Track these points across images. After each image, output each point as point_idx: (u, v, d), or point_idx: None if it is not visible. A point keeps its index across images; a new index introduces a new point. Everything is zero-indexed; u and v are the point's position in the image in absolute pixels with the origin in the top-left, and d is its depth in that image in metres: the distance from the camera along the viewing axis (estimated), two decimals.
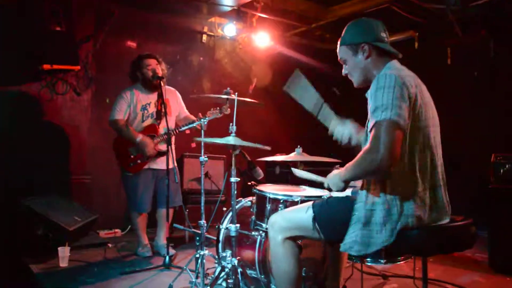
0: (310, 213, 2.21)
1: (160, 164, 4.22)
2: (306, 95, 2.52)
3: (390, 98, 1.87)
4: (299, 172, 2.42)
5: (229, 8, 5.44)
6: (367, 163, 1.88)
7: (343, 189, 2.12)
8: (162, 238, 4.32)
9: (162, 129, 4.17)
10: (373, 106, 1.91)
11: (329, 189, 2.19)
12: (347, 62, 2.23)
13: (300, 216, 2.25)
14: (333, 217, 2.17)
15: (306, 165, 5.16)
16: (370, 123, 1.91)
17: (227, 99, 3.22)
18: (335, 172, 2.13)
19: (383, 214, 1.96)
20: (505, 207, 3.86)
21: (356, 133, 2.30)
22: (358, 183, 2.17)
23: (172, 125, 4.26)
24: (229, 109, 3.67)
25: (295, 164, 3.99)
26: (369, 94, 1.99)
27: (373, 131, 1.88)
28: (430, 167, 2.00)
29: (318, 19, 6.03)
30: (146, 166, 4.18)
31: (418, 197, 1.95)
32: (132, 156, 4.13)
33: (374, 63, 2.15)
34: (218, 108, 3.86)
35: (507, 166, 3.97)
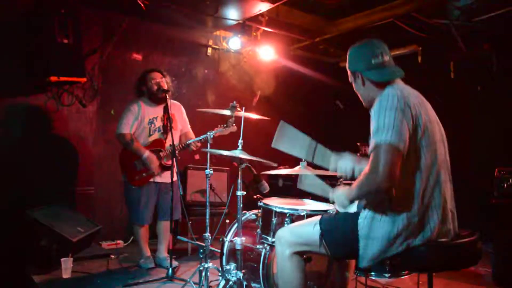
0: (318, 229, 2.22)
1: (164, 178, 4.23)
2: (297, 143, 2.48)
3: (391, 121, 1.90)
4: (306, 182, 2.43)
5: (234, 22, 5.48)
6: (367, 184, 1.94)
7: (347, 207, 2.16)
8: (163, 252, 4.32)
9: (168, 143, 4.19)
10: (375, 127, 1.95)
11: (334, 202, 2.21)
12: (353, 85, 2.29)
13: (307, 231, 2.27)
14: (340, 234, 2.18)
15: None
16: (371, 145, 1.95)
17: (233, 113, 3.27)
18: (342, 190, 2.16)
19: (389, 229, 1.97)
20: (509, 222, 3.85)
21: (358, 163, 2.30)
22: None
23: (177, 139, 4.29)
24: (235, 126, 3.68)
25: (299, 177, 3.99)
26: (372, 112, 2.02)
27: (373, 153, 1.92)
28: (436, 184, 2.01)
29: (322, 33, 6.07)
30: (151, 180, 4.19)
31: (425, 213, 1.97)
32: (138, 170, 4.15)
33: (371, 89, 2.19)
34: (224, 124, 3.85)
35: (510, 181, 3.97)
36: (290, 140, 2.50)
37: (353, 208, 2.29)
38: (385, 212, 2.00)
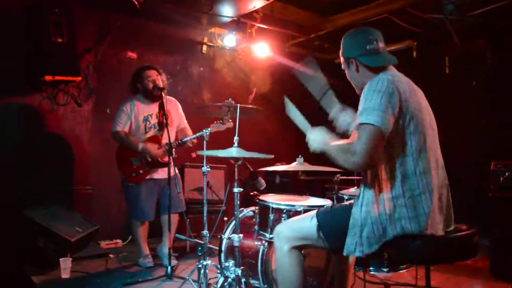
0: (315, 222, 2.24)
1: (162, 174, 4.23)
2: (314, 79, 2.65)
3: (377, 103, 1.94)
4: (292, 111, 2.50)
5: (228, 19, 5.47)
6: (344, 157, 1.99)
7: (316, 153, 2.20)
8: (167, 245, 4.29)
9: (164, 140, 4.18)
10: (361, 107, 1.99)
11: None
12: (346, 73, 2.32)
13: (305, 225, 2.29)
14: (337, 225, 2.19)
15: (308, 175, 5.20)
16: (356, 123, 2.00)
17: (228, 110, 3.28)
18: (321, 134, 2.20)
19: (380, 215, 2.00)
20: (506, 215, 3.87)
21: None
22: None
23: (173, 135, 4.29)
24: (231, 122, 3.68)
25: (296, 174, 4.00)
26: (362, 94, 2.06)
27: (355, 132, 1.97)
28: (426, 171, 2.03)
29: (317, 29, 6.07)
30: (148, 177, 4.18)
31: (413, 198, 1.98)
32: (134, 166, 4.14)
33: (364, 75, 2.21)
34: (220, 121, 3.85)
35: (507, 174, 3.99)
36: (311, 77, 2.68)
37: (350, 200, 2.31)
38: (374, 196, 2.03)
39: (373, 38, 2.20)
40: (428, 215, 1.98)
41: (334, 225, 2.21)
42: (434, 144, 2.11)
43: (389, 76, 2.06)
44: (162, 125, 4.21)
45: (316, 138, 2.21)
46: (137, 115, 4.20)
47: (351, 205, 2.19)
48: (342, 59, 2.32)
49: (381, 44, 2.21)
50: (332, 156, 2.06)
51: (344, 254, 2.11)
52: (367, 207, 2.04)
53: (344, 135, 2.38)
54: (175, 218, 4.26)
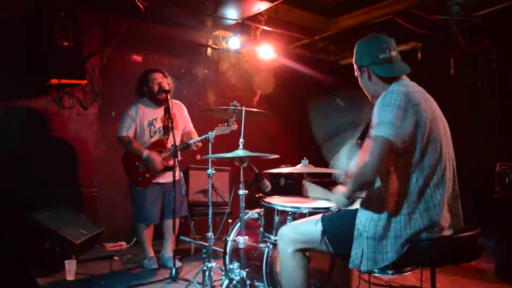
0: (320, 226, 2.23)
1: (167, 178, 4.24)
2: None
3: (391, 116, 1.92)
4: (310, 188, 2.47)
5: (233, 22, 5.49)
6: (358, 175, 1.96)
7: (349, 205, 2.18)
8: (168, 250, 4.32)
9: (170, 144, 4.18)
10: (375, 121, 1.96)
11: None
12: (359, 80, 2.29)
13: (309, 228, 2.28)
14: (342, 231, 2.18)
15: (312, 177, 5.19)
16: (368, 137, 1.97)
17: (234, 112, 3.28)
18: (339, 190, 2.17)
19: (389, 229, 1.98)
20: (511, 216, 3.85)
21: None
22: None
23: (178, 139, 4.29)
24: (236, 124, 3.68)
25: (301, 176, 3.98)
26: (375, 107, 2.03)
27: (366, 143, 1.94)
28: (443, 181, 2.01)
29: (322, 31, 6.07)
30: (154, 181, 4.20)
31: (427, 211, 1.97)
32: (140, 171, 4.16)
33: (377, 84, 2.19)
34: (225, 123, 3.86)
35: None
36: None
37: (356, 205, 2.30)
38: (385, 210, 2.00)
39: (386, 47, 2.17)
40: (439, 226, 1.97)
41: (339, 231, 2.20)
42: (448, 154, 2.08)
43: (401, 87, 2.02)
44: (167, 129, 4.21)
45: (338, 198, 2.19)
46: (142, 119, 4.21)
47: (356, 210, 2.17)
48: (355, 66, 2.29)
49: (394, 53, 2.18)
50: (356, 188, 2.04)
51: (350, 267, 2.10)
52: (379, 220, 2.01)
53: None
54: (177, 222, 4.29)
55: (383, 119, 1.93)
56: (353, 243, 2.08)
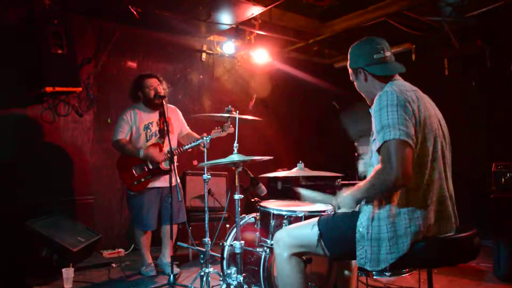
0: (316, 230, 2.22)
1: (164, 182, 4.22)
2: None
3: (395, 117, 1.91)
4: (306, 194, 2.46)
5: (227, 27, 5.50)
6: (380, 183, 1.92)
7: (354, 207, 2.16)
8: (166, 256, 4.30)
9: (166, 148, 4.18)
10: (379, 125, 1.95)
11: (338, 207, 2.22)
12: (355, 84, 2.31)
13: (305, 233, 2.27)
14: (338, 235, 2.18)
15: (309, 180, 5.19)
16: (377, 143, 1.94)
17: (228, 117, 3.28)
18: (346, 192, 2.16)
19: (390, 229, 1.97)
20: (508, 216, 3.86)
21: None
22: None
23: (174, 143, 4.30)
24: (232, 127, 3.69)
25: (297, 179, 3.99)
26: (372, 111, 2.03)
27: (382, 151, 1.91)
28: (438, 179, 2.02)
29: (316, 35, 6.10)
30: (150, 185, 4.17)
31: (425, 210, 1.97)
32: (136, 175, 4.14)
33: (373, 84, 2.21)
34: (220, 127, 3.86)
35: (508, 175, 3.98)
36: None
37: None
38: (385, 211, 2.00)
39: (380, 48, 2.20)
40: (436, 223, 1.99)
41: (335, 234, 2.19)
42: (445, 152, 2.09)
43: (394, 87, 2.04)
44: (163, 132, 4.21)
45: (345, 200, 2.17)
46: (138, 123, 4.21)
47: (353, 213, 2.17)
48: (350, 70, 2.30)
49: (388, 53, 2.21)
50: (372, 195, 2.02)
51: (358, 265, 2.09)
52: (380, 221, 2.01)
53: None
54: (174, 227, 4.28)
55: (388, 121, 1.92)
56: (356, 245, 2.07)
